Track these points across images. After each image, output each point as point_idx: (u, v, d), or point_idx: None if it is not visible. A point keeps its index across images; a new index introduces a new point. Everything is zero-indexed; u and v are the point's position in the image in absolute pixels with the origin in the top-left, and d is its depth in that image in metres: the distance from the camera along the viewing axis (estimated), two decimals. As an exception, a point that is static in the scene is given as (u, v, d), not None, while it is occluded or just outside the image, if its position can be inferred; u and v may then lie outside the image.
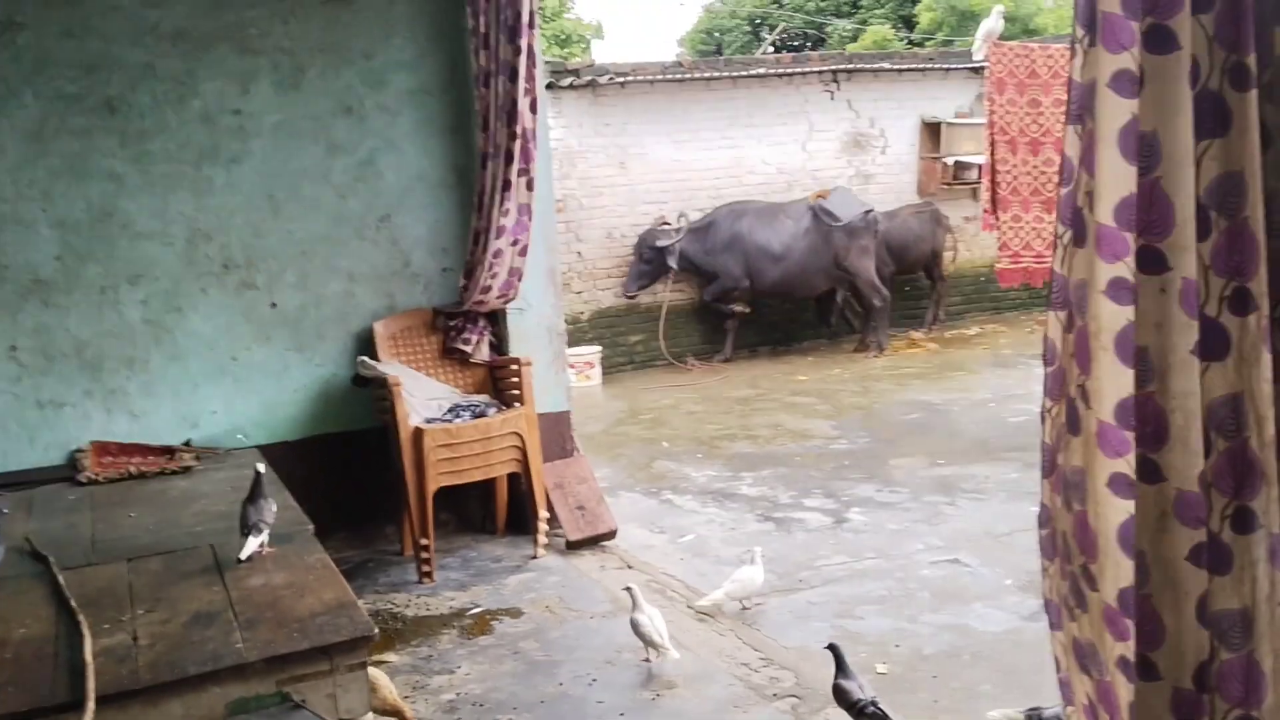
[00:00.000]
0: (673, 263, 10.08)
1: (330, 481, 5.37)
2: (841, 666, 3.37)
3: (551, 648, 4.22)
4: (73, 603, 3.06)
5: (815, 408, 8.46)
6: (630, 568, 5.07)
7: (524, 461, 5.11)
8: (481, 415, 5.12)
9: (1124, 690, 1.88)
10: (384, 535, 5.49)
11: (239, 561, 3.31)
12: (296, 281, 5.34)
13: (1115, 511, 1.86)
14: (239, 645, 2.81)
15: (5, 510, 3.47)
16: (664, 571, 5.03)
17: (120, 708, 2.61)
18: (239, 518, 3.42)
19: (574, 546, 5.29)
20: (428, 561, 4.94)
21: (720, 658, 4.05)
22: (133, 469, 4.69)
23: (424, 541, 4.91)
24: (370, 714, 2.96)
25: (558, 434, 5.59)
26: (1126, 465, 1.82)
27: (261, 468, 3.49)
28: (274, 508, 3.46)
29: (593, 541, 5.34)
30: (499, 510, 5.54)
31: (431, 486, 4.88)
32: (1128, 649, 1.85)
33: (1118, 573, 1.85)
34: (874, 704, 3.29)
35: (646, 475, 6.85)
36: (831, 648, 3.44)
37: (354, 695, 2.89)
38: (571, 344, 10.16)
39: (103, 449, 4.88)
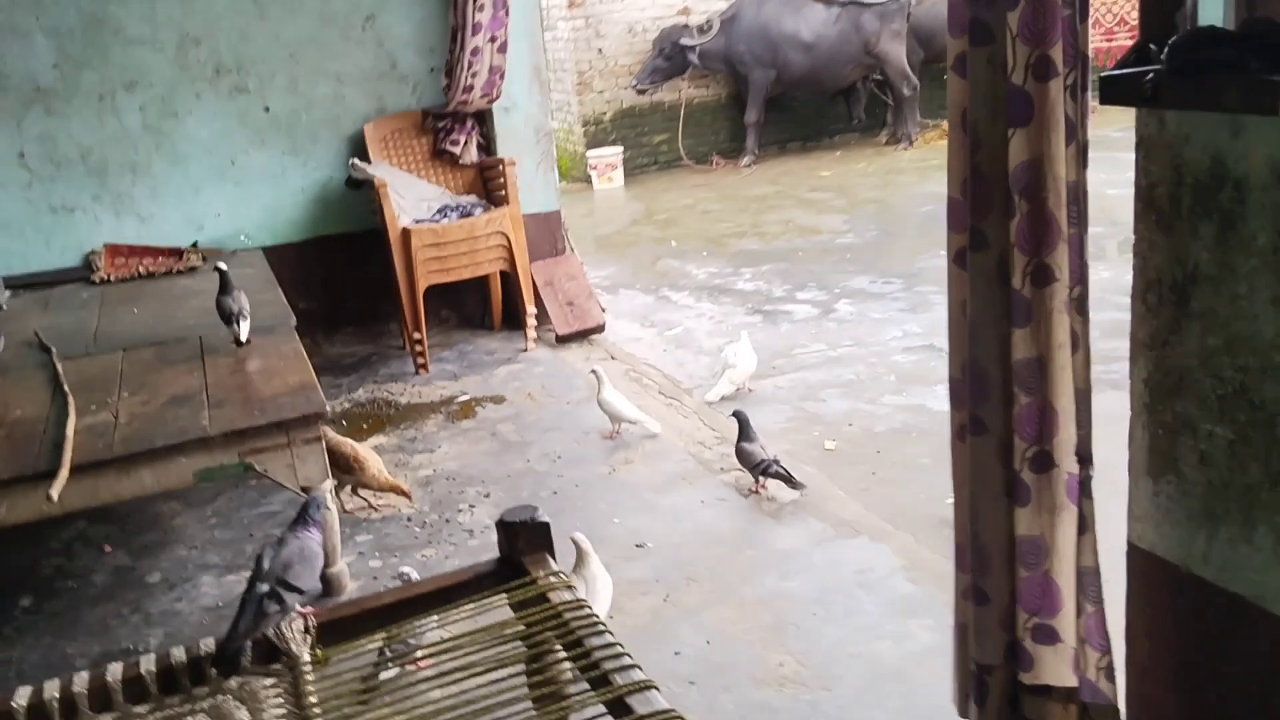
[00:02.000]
0: (694, 59, 9.88)
1: (336, 281, 5.66)
2: (745, 431, 3.62)
3: (527, 430, 4.53)
4: (66, 387, 3.39)
5: (830, 203, 8.46)
6: (613, 358, 5.32)
7: (511, 260, 5.30)
8: (468, 215, 5.29)
9: (959, 452, 2.05)
10: (388, 331, 5.79)
11: (239, 344, 3.65)
12: (287, 85, 5.45)
13: (956, 283, 1.98)
14: (205, 422, 3.12)
15: (3, 306, 3.79)
16: (645, 362, 5.27)
17: (97, 475, 2.97)
18: (218, 311, 3.72)
19: (563, 340, 5.53)
20: (421, 354, 5.24)
21: (680, 437, 4.32)
22: (142, 269, 4.99)
23: (417, 336, 5.19)
24: (329, 480, 3.29)
25: (548, 233, 5.74)
26: (961, 240, 1.94)
27: (224, 266, 3.75)
28: (244, 299, 3.74)
29: (581, 335, 5.57)
30: (494, 307, 5.78)
31: (421, 284, 5.11)
32: (964, 416, 2.01)
33: (957, 358, 1.99)
34: (776, 462, 3.55)
35: (649, 274, 7.02)
36: (736, 414, 3.68)
37: (311, 465, 3.22)
38: (594, 145, 10.19)
39: (115, 251, 5.18)
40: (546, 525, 2.26)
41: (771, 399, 4.68)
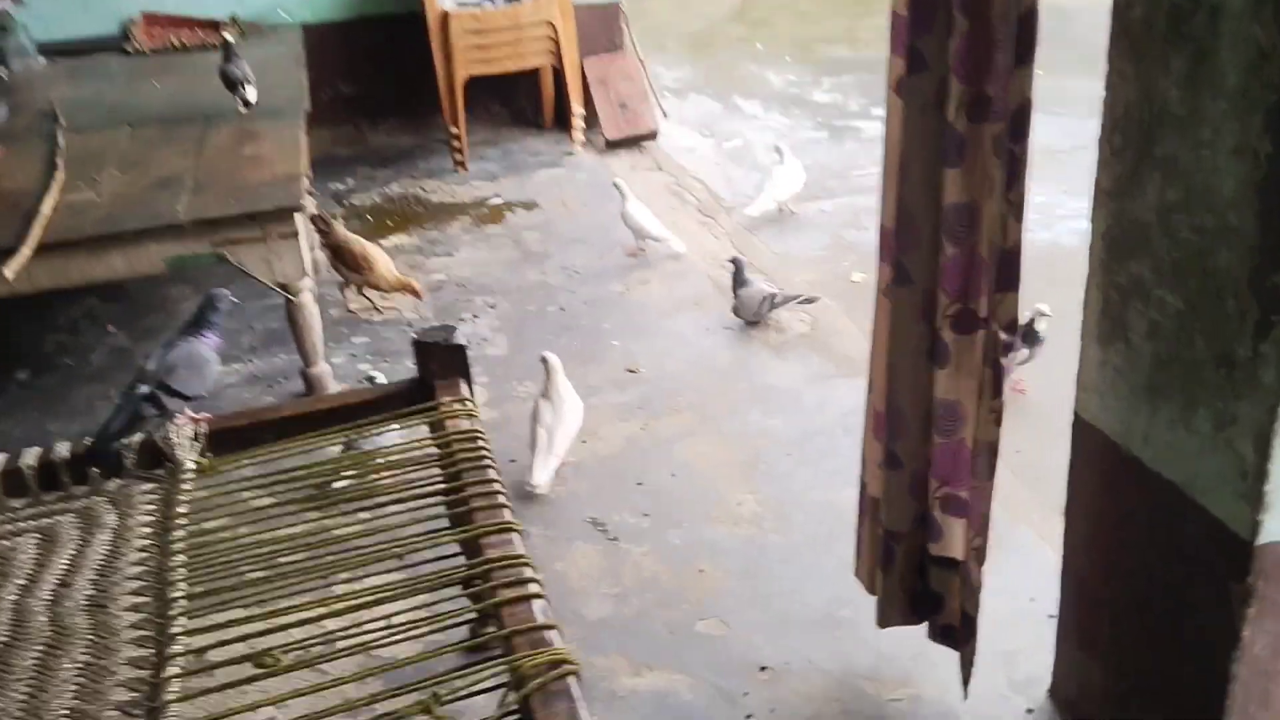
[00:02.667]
0: None
1: (383, 66, 5.43)
2: (739, 276, 3.37)
3: (551, 240, 4.35)
4: (59, 161, 3.33)
5: (937, 11, 7.73)
6: (660, 168, 5.03)
7: (559, 53, 4.97)
8: (515, 1, 4.94)
9: (882, 307, 1.84)
10: (434, 124, 5.51)
11: (247, 105, 3.60)
12: None
13: (893, 114, 1.73)
14: (179, 208, 3.03)
15: (4, 78, 3.74)
16: (693, 175, 4.97)
17: (66, 256, 2.94)
18: (221, 79, 3.61)
19: (612, 145, 5.24)
20: (460, 150, 5.03)
21: (705, 259, 4.09)
22: (176, 41, 4.85)
23: (455, 131, 4.98)
24: (307, 279, 3.20)
25: (604, 26, 5.35)
26: (901, 65, 1.68)
27: (230, 37, 3.64)
28: (248, 66, 3.62)
29: (632, 141, 5.27)
30: (545, 104, 5.49)
31: (460, 75, 4.86)
32: (890, 268, 1.79)
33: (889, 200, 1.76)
34: (780, 291, 3.33)
35: (725, 78, 6.56)
36: (733, 261, 3.42)
37: (288, 262, 3.12)
38: (694, -69, 9.45)
39: (151, 20, 5.03)
40: (462, 349, 2.11)
41: (812, 223, 4.38)
